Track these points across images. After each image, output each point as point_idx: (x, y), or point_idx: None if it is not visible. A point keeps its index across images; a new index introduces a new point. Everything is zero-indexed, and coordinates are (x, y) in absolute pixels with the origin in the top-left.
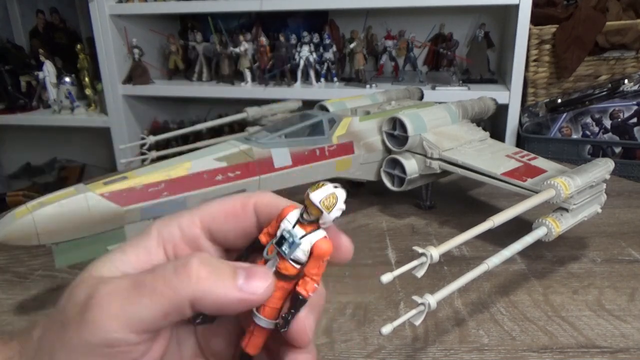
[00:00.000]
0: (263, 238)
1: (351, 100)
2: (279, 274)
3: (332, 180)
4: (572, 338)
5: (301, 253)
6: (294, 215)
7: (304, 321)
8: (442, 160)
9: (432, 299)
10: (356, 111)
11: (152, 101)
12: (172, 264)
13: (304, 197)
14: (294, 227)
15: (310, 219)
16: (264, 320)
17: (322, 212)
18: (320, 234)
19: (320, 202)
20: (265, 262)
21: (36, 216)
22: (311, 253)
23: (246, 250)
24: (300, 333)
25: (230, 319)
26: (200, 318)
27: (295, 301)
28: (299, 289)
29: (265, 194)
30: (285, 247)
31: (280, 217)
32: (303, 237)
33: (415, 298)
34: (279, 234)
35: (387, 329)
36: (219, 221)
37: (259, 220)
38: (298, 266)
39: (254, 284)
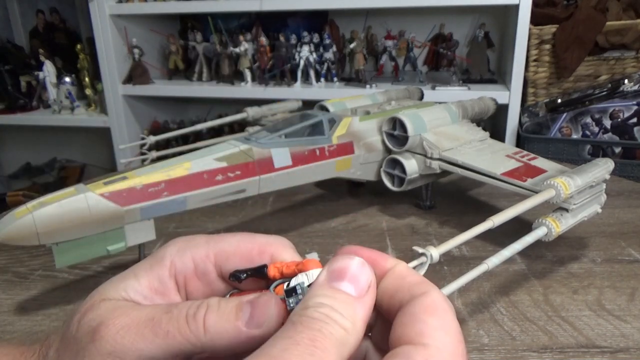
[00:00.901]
0: (272, 271)
1: (351, 100)
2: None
3: (332, 181)
4: (572, 338)
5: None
6: (313, 274)
7: None
8: (442, 160)
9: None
10: (356, 111)
11: (152, 101)
12: (185, 310)
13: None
14: (309, 286)
15: None
16: None
17: None
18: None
19: None
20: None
21: (36, 216)
22: None
23: (249, 272)
24: None
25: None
26: None
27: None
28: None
29: (284, 245)
30: (292, 300)
31: (301, 267)
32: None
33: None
34: (293, 282)
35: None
36: (233, 262)
37: None
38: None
39: (258, 318)
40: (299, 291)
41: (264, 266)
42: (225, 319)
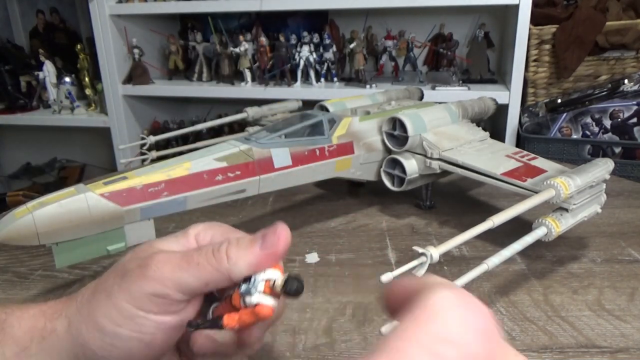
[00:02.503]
0: (227, 320)
1: (351, 100)
2: (229, 300)
3: (332, 181)
4: (572, 338)
5: (248, 301)
6: (272, 274)
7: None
8: (442, 160)
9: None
10: (356, 111)
11: (152, 101)
12: (211, 247)
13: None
14: (259, 281)
15: (276, 290)
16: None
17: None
18: (270, 301)
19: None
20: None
21: (36, 216)
22: (254, 306)
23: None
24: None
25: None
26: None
27: (214, 321)
28: (226, 318)
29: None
30: (244, 286)
31: (269, 265)
32: (258, 293)
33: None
34: (253, 276)
35: (387, 329)
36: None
37: None
38: (243, 305)
39: (269, 240)
40: (252, 280)
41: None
42: (244, 249)
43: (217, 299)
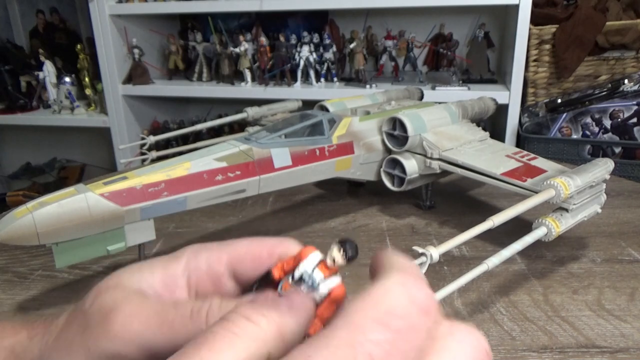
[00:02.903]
0: (276, 273)
1: (351, 100)
2: None
3: (332, 180)
4: (572, 338)
5: (318, 297)
6: (314, 258)
7: None
8: (442, 160)
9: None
10: (356, 111)
11: (152, 101)
12: (190, 306)
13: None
14: (313, 270)
15: (331, 266)
16: None
17: (344, 263)
18: (337, 280)
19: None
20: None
21: (36, 216)
22: (327, 297)
23: (257, 282)
24: None
25: None
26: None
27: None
28: (311, 330)
29: (291, 245)
30: (304, 288)
31: (299, 257)
32: (322, 281)
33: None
34: (297, 274)
35: None
36: (245, 265)
37: None
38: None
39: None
40: (306, 278)
41: (268, 272)
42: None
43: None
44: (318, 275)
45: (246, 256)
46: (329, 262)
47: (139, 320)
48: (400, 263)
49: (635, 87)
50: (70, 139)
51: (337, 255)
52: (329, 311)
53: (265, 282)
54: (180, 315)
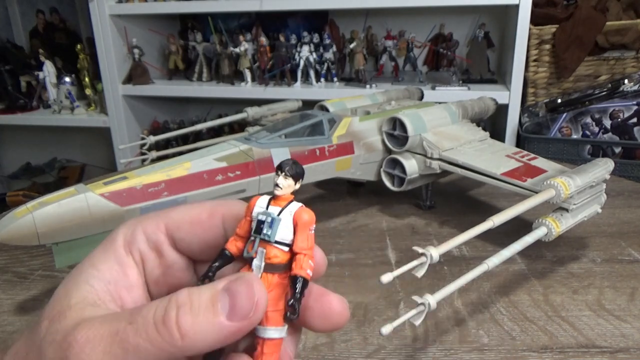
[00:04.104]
0: (232, 246)
1: (351, 100)
2: (270, 267)
3: (332, 180)
4: (572, 338)
5: (285, 229)
6: (263, 200)
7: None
8: (442, 160)
9: (432, 299)
10: (356, 111)
11: (152, 101)
12: (151, 315)
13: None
14: (267, 208)
15: (282, 193)
16: (272, 331)
17: (295, 181)
18: (296, 204)
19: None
20: (250, 263)
21: (36, 216)
22: (295, 226)
23: (211, 267)
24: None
25: None
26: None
27: (296, 285)
28: (296, 271)
29: (235, 204)
30: (266, 230)
31: (248, 211)
32: (281, 212)
33: (415, 298)
34: (254, 222)
35: (387, 329)
36: (184, 230)
37: (226, 233)
38: (287, 248)
39: (241, 308)
40: (263, 218)
41: (222, 251)
42: (203, 317)
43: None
44: (274, 209)
45: (184, 221)
46: (276, 192)
47: (98, 351)
48: None
49: (635, 87)
50: (70, 139)
51: (280, 180)
52: (305, 240)
53: (223, 261)
54: (143, 332)
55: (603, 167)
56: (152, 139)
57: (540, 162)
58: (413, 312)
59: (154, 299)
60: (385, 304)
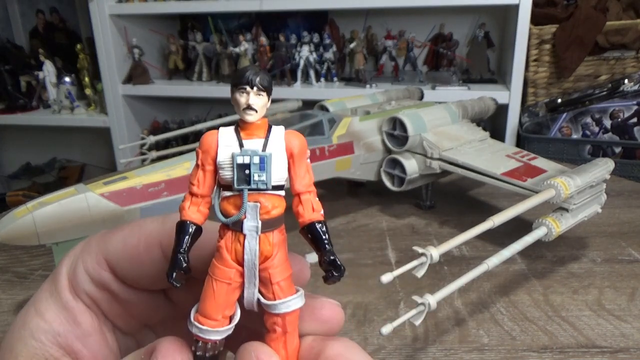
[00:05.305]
0: (194, 214)
1: (351, 100)
2: (269, 224)
3: (332, 180)
4: (572, 338)
5: (280, 167)
6: (227, 135)
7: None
8: (442, 160)
9: (432, 299)
10: (356, 111)
11: (152, 101)
12: None
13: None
14: (242, 146)
15: (258, 116)
16: (292, 301)
17: (269, 96)
18: (278, 129)
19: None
20: (236, 230)
21: (36, 216)
22: (289, 158)
23: (179, 256)
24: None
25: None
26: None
27: (318, 234)
28: (312, 217)
29: (175, 219)
30: (258, 176)
31: (206, 157)
32: (266, 145)
33: (415, 298)
34: (233, 169)
35: (387, 329)
36: (124, 266)
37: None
38: (282, 192)
39: None
40: (244, 160)
41: (184, 225)
42: None
43: None
44: (254, 144)
45: (122, 257)
46: (249, 117)
47: None
48: None
49: (635, 87)
50: (70, 139)
51: (253, 99)
52: (305, 171)
53: (191, 237)
54: None
55: (603, 167)
56: (152, 139)
57: (540, 162)
58: (413, 312)
59: (126, 333)
60: (385, 304)
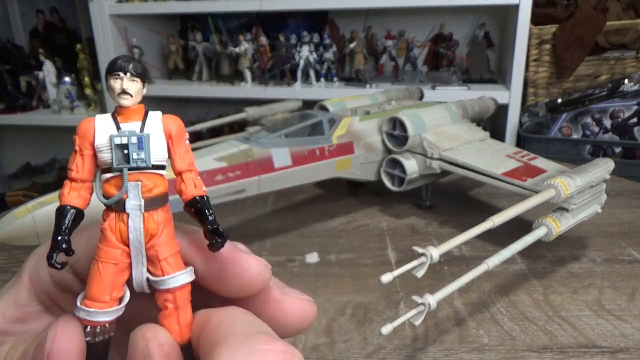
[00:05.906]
0: (74, 199)
1: (351, 100)
2: (152, 202)
3: (332, 181)
4: (572, 338)
5: (160, 147)
6: (104, 121)
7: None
8: (442, 160)
9: (432, 299)
10: (356, 111)
11: (152, 101)
12: None
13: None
14: (119, 128)
15: (134, 101)
16: (181, 276)
17: (143, 83)
18: (155, 113)
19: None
20: (118, 210)
21: (36, 216)
22: (168, 139)
23: (61, 240)
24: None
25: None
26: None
27: (201, 207)
28: (194, 192)
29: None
30: (136, 155)
31: (84, 142)
32: (143, 127)
33: (415, 298)
34: (111, 150)
35: (387, 329)
36: (86, 267)
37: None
38: (164, 171)
39: None
40: (121, 141)
41: (64, 210)
42: None
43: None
44: (132, 126)
45: (85, 256)
46: (124, 102)
47: None
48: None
49: (635, 87)
50: (70, 139)
51: (127, 84)
52: (185, 151)
53: (72, 222)
54: None
55: (603, 167)
56: None
57: (540, 162)
58: (413, 312)
59: None
60: (385, 304)
